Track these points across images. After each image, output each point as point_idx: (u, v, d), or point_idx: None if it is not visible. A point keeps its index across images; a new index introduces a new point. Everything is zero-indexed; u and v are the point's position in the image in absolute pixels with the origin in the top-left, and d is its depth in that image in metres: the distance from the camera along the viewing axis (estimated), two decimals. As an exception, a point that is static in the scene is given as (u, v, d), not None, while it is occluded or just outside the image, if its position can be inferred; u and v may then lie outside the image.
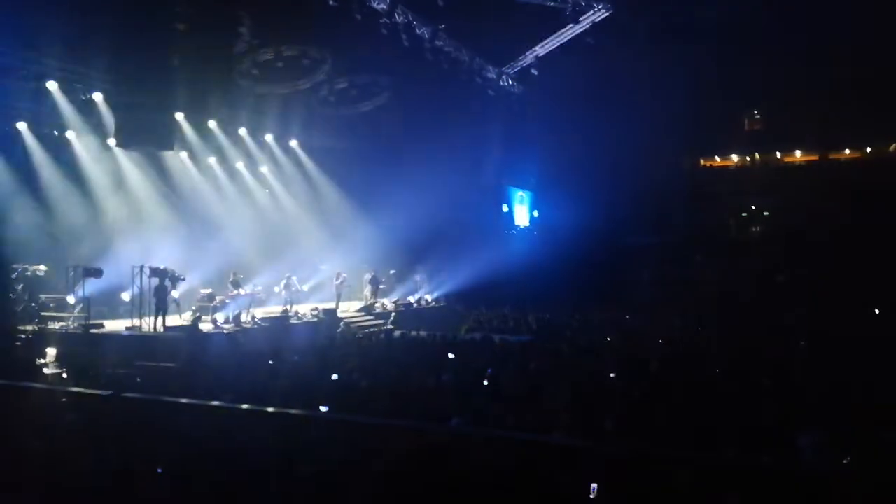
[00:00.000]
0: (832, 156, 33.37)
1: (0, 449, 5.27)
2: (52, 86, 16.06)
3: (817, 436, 5.86)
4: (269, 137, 22.03)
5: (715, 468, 4.07)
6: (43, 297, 15.27)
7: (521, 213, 32.77)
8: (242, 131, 21.07)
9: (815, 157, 33.80)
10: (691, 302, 26.76)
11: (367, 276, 22.28)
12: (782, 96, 30.08)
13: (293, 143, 22.98)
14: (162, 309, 15.21)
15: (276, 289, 19.29)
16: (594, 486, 3.89)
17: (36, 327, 14.47)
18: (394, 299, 23.06)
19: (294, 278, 19.40)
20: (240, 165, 21.78)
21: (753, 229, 34.13)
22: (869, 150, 32.41)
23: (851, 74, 26.49)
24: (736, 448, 5.74)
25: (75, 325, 14.70)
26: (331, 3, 16.82)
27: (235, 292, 17.62)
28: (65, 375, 10.61)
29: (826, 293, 25.34)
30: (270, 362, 10.49)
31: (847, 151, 33.14)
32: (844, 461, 5.65)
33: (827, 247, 28.08)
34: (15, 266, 15.01)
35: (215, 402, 5.54)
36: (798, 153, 34.49)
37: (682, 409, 7.62)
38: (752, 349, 13.53)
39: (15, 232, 15.06)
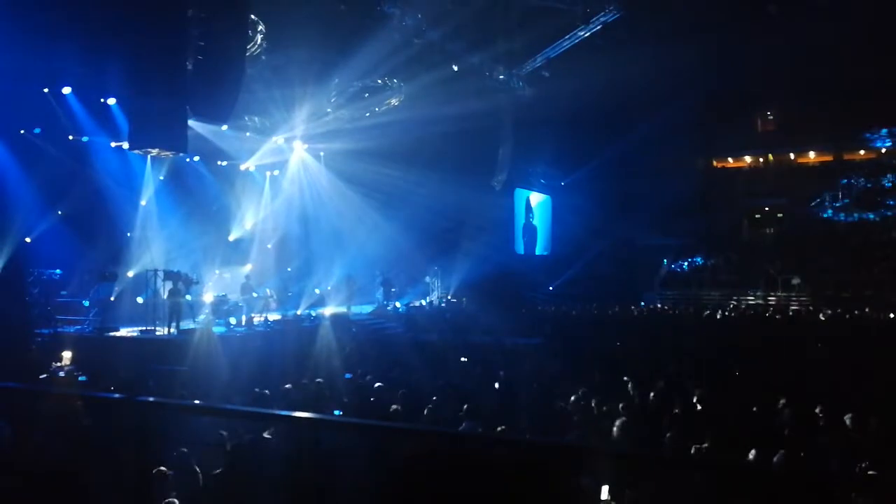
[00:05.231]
0: (846, 156, 33.06)
1: (16, 450, 5.31)
2: (67, 91, 16.20)
3: (830, 439, 5.80)
4: (280, 140, 22.10)
5: (728, 471, 4.04)
6: (58, 300, 15.42)
7: (534, 215, 32.70)
8: (253, 134, 21.14)
9: (829, 158, 33.50)
10: (704, 303, 26.61)
11: (379, 279, 22.33)
12: (795, 97, 29.88)
13: (305, 146, 23.04)
14: (176, 312, 15.28)
15: (289, 293, 19.37)
16: (605, 488, 3.88)
17: (52, 330, 14.59)
18: (406, 302, 23.07)
19: (307, 282, 19.49)
20: (252, 168, 21.87)
21: (767, 230, 33.87)
22: (884, 150, 32.08)
23: (864, 74, 26.28)
24: (752, 450, 5.69)
25: (90, 328, 14.82)
26: (342, 7, 16.89)
27: (248, 295, 17.69)
28: (80, 378, 10.69)
29: (842, 294, 25.13)
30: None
31: (861, 152, 32.82)
32: (862, 465, 5.60)
33: (841, 248, 27.83)
34: (31, 270, 15.14)
35: (228, 406, 5.57)
36: (812, 154, 34.20)
37: (698, 412, 7.58)
38: (766, 351, 13.42)
39: (31, 236, 15.19)
